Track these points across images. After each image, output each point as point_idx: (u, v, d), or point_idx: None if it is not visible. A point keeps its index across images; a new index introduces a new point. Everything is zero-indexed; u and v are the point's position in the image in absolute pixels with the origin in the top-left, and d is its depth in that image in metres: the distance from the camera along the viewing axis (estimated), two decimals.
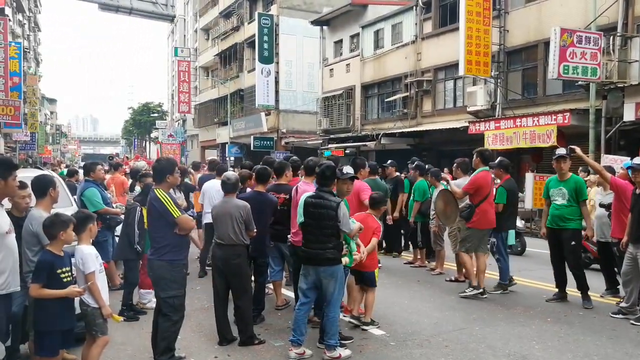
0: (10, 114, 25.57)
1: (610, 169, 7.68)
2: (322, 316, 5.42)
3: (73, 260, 4.25)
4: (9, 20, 29.84)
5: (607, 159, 12.01)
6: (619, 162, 11.21)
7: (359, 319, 6.14)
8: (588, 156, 14.02)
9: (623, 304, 6.62)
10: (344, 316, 6.18)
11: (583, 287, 7.12)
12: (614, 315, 6.56)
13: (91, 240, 4.40)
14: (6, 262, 3.88)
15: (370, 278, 6.03)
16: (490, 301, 7.34)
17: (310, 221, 5.16)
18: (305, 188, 5.86)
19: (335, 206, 5.06)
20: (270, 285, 7.28)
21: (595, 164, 7.54)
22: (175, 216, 4.65)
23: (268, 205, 6.28)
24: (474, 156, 7.86)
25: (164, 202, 4.65)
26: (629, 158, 11.59)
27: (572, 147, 7.18)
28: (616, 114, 14.03)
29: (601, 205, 7.80)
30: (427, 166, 10.35)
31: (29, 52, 45.95)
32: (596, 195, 8.09)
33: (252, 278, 6.36)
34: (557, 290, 7.45)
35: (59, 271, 4.04)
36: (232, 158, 35.46)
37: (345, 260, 5.28)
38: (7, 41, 25.97)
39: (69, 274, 4.14)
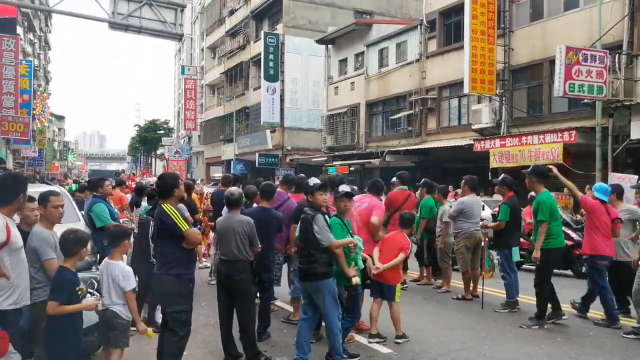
0: (20, 131, 25.83)
1: (620, 188, 7.61)
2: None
3: (81, 275, 4.26)
4: (20, 39, 30.20)
5: (615, 178, 11.95)
6: (626, 180, 11.17)
7: (379, 335, 6.15)
8: (594, 174, 14.09)
9: (635, 324, 6.53)
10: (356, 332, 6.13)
11: (540, 307, 6.96)
12: (626, 336, 6.46)
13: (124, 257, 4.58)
14: (21, 277, 3.92)
15: (390, 291, 6.08)
16: (499, 320, 7.26)
17: (301, 236, 5.27)
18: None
19: (310, 219, 5.10)
20: (277, 302, 7.22)
21: (569, 183, 7.53)
22: (183, 230, 4.63)
23: (272, 222, 6.26)
24: (396, 179, 8.86)
25: (172, 216, 4.64)
26: (637, 176, 11.61)
27: (550, 167, 7.49)
28: (623, 132, 14.00)
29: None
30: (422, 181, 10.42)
31: (39, 70, 46.42)
32: None
33: (257, 294, 6.34)
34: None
35: (77, 289, 4.10)
36: (238, 175, 35.55)
37: (355, 280, 5.27)
38: (18, 59, 26.23)
39: (82, 289, 4.20)
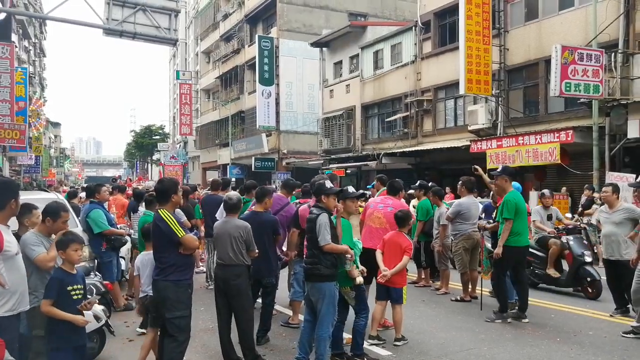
0: (16, 138, 25.71)
1: (616, 187, 7.60)
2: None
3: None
4: (15, 46, 30.12)
5: (612, 177, 11.97)
6: (624, 179, 11.18)
7: (379, 337, 6.18)
8: (591, 174, 14.11)
9: (634, 323, 6.51)
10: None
11: (501, 302, 7.28)
12: (626, 335, 6.44)
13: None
14: (17, 284, 3.91)
15: (397, 294, 6.12)
16: (508, 322, 7.20)
17: (307, 235, 5.28)
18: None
19: (314, 218, 5.10)
20: (276, 306, 7.18)
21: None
22: (180, 236, 4.62)
23: (265, 226, 6.19)
24: (376, 181, 8.63)
25: (168, 222, 4.64)
26: (634, 175, 11.61)
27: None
28: (620, 131, 13.99)
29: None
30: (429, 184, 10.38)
31: (34, 77, 46.23)
32: (600, 214, 7.99)
33: (261, 299, 6.36)
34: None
35: (69, 288, 4.12)
36: (234, 179, 35.51)
37: (359, 279, 5.29)
38: (13, 67, 26.11)
39: (80, 291, 4.20)
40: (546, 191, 9.75)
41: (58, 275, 4.17)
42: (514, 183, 8.09)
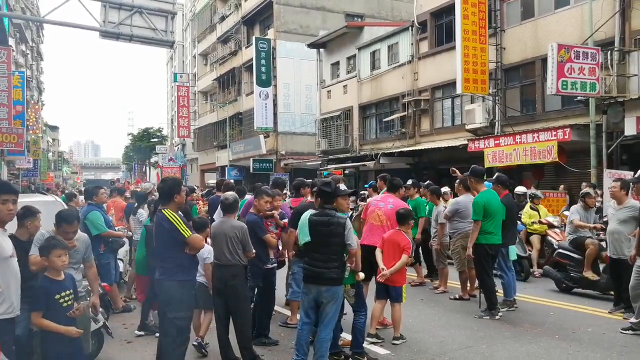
0: (14, 142, 25.70)
1: (625, 183, 7.53)
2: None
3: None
4: (13, 50, 30.11)
5: (610, 174, 11.97)
6: (621, 177, 11.16)
7: (377, 335, 6.19)
8: (589, 171, 14.13)
9: (633, 320, 6.52)
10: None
11: (488, 299, 7.37)
12: (624, 332, 6.45)
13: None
14: (12, 287, 3.88)
15: (397, 293, 6.14)
16: (497, 319, 7.23)
17: (317, 239, 5.12)
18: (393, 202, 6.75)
19: (343, 222, 5.07)
20: (275, 307, 7.17)
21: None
22: (186, 236, 4.59)
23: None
24: (378, 180, 8.69)
25: (174, 222, 4.59)
26: (632, 173, 11.62)
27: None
28: (617, 129, 14.00)
29: None
30: (426, 182, 10.47)
31: (31, 80, 46.19)
32: (608, 210, 7.93)
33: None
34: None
35: (57, 297, 4.04)
36: (232, 181, 35.47)
37: (361, 275, 5.32)
38: (10, 70, 26.14)
39: (70, 297, 4.14)
40: (591, 190, 9.40)
41: (43, 284, 4.08)
42: (485, 183, 8.06)
